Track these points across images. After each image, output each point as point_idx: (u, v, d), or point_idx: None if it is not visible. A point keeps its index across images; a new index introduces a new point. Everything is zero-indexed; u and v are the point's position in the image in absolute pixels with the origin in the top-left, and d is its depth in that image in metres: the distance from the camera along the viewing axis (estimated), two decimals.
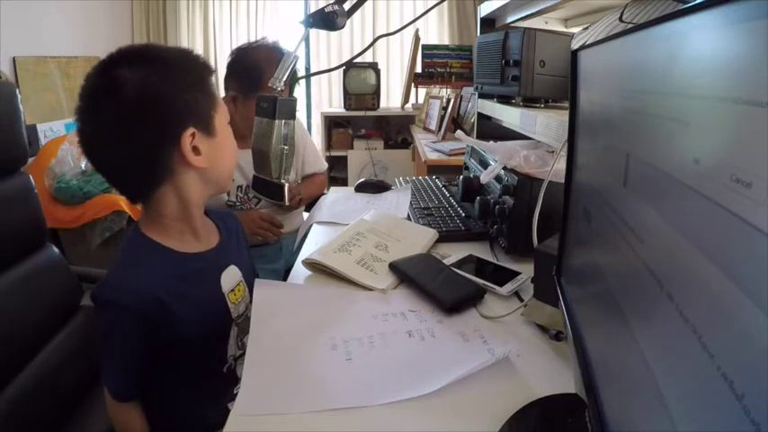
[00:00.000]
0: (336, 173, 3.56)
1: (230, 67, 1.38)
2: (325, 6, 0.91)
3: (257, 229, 1.37)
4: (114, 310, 0.70)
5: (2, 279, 0.91)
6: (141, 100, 0.66)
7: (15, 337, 0.89)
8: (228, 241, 0.85)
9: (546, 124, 0.95)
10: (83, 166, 2.39)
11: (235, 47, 1.42)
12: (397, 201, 1.33)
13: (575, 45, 0.58)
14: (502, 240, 1.01)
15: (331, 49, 3.66)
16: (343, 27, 0.94)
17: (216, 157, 0.74)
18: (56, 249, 1.07)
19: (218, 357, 0.80)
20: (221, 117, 0.76)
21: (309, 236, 1.15)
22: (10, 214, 0.96)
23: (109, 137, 0.68)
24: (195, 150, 0.71)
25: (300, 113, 1.32)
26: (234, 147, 0.80)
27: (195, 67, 0.73)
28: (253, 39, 3.54)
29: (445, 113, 2.79)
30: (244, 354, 0.67)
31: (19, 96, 0.97)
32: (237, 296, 0.83)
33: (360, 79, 3.33)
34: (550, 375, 0.63)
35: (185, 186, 0.73)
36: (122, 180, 0.73)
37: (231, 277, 0.82)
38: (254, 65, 1.33)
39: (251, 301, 0.83)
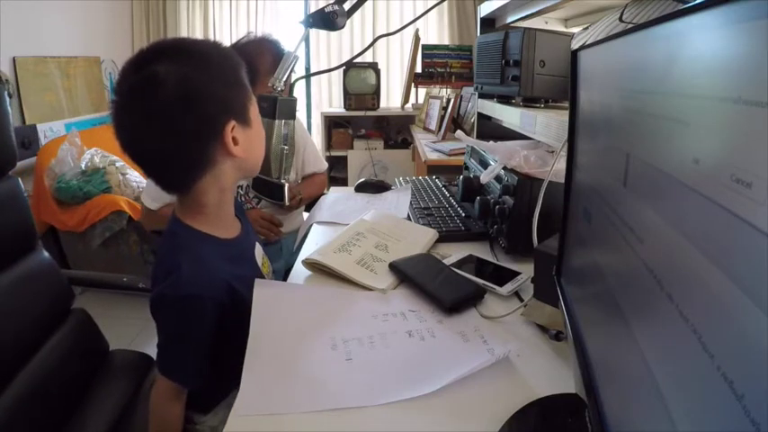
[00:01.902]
0: (336, 173, 3.56)
1: None
2: (325, 6, 0.91)
3: (258, 227, 1.37)
4: (193, 302, 0.71)
5: None
6: (185, 96, 0.67)
7: (6, 345, 0.88)
8: (246, 223, 0.89)
9: (546, 124, 0.95)
10: (83, 166, 2.39)
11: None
12: (397, 201, 1.33)
13: (575, 45, 0.58)
14: (502, 240, 1.01)
15: (331, 49, 3.66)
16: (343, 27, 0.94)
17: (251, 146, 0.77)
18: (46, 253, 1.05)
19: None
20: (254, 107, 0.78)
21: (309, 236, 1.15)
22: None
23: (152, 132, 0.69)
24: (234, 141, 0.73)
25: (300, 113, 1.32)
26: (263, 134, 0.82)
27: (230, 60, 0.75)
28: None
29: (445, 113, 2.79)
30: None
31: (8, 99, 0.95)
32: (267, 269, 0.89)
33: (360, 79, 3.33)
34: (550, 375, 0.63)
35: (223, 175, 0.76)
36: (164, 173, 0.74)
37: (259, 254, 0.88)
38: (246, 60, 1.34)
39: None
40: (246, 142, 0.75)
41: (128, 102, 0.69)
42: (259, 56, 1.36)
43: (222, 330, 0.76)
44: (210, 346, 0.75)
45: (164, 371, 0.75)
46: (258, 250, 0.88)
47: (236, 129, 0.73)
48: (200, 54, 0.71)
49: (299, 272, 0.94)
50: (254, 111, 0.78)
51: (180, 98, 0.67)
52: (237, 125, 0.73)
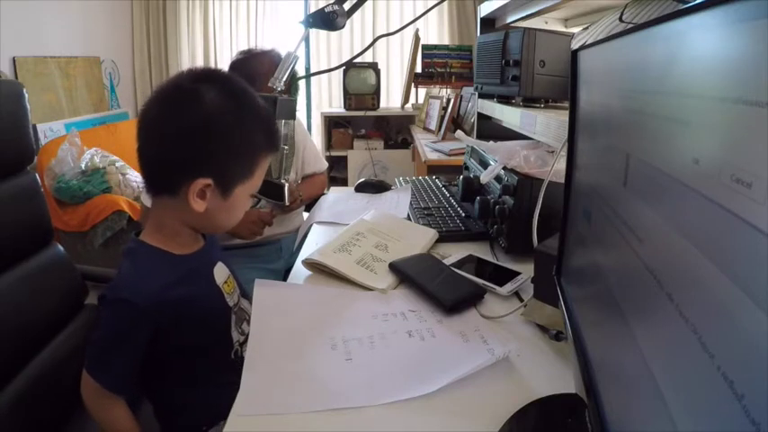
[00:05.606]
0: (336, 173, 3.56)
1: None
2: (326, 6, 0.91)
3: (255, 226, 1.38)
4: (126, 306, 0.71)
5: (7, 277, 0.91)
6: (197, 126, 0.70)
7: (19, 335, 0.90)
8: (212, 242, 0.87)
9: (546, 124, 0.95)
10: (83, 166, 2.39)
11: (236, 51, 1.43)
12: (397, 201, 1.33)
13: (575, 45, 0.58)
14: (502, 240, 1.01)
15: (331, 49, 3.66)
16: (343, 27, 0.94)
17: (216, 214, 0.76)
18: (61, 248, 1.07)
19: (224, 345, 0.82)
20: (246, 190, 0.77)
21: (309, 236, 1.15)
22: (16, 213, 0.95)
23: (156, 128, 0.72)
24: (201, 194, 0.72)
25: (300, 113, 1.32)
26: (238, 217, 0.80)
27: (260, 141, 0.76)
28: (253, 39, 3.57)
29: (445, 113, 2.79)
30: (247, 339, 0.71)
31: (26, 95, 0.97)
32: (230, 287, 0.85)
33: (360, 79, 3.33)
34: (550, 375, 0.63)
35: (184, 212, 0.74)
36: (144, 166, 0.75)
37: (221, 272, 0.85)
38: (254, 74, 1.34)
39: (241, 296, 0.87)
40: (214, 207, 0.74)
41: (163, 95, 0.72)
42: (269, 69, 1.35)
43: (184, 353, 0.77)
44: (139, 362, 0.74)
45: (89, 369, 0.74)
46: (221, 268, 0.85)
47: (210, 188, 0.72)
48: (244, 108, 0.73)
49: (299, 272, 0.94)
50: (243, 191, 0.76)
51: (193, 125, 0.69)
52: (215, 188, 0.72)
